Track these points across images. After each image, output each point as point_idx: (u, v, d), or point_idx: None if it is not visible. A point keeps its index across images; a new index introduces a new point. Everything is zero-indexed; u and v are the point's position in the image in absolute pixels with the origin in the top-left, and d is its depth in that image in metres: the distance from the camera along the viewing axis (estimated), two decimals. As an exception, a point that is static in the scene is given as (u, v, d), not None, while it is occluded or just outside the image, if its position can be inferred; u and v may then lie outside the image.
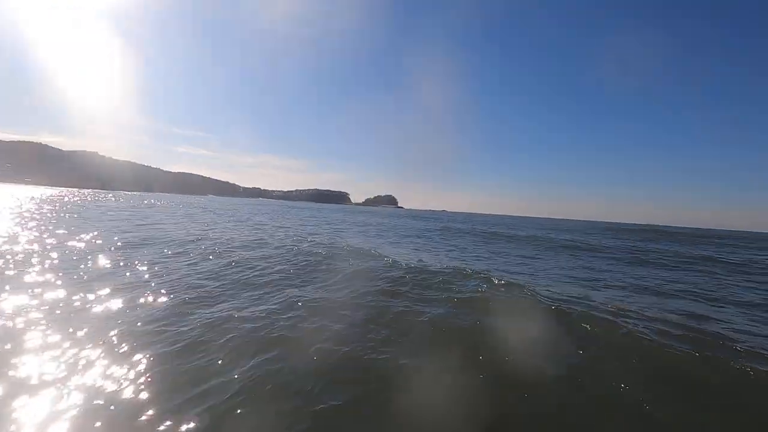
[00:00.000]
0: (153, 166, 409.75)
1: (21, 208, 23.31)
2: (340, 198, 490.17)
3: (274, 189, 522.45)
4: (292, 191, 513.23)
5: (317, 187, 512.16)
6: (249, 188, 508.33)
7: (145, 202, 52.53)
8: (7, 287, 6.28)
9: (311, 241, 14.31)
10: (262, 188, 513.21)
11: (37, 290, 6.23)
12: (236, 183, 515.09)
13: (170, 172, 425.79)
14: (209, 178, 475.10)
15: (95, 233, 13.40)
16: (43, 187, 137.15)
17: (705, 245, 28.67)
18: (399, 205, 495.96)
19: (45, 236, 12.04)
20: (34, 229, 13.79)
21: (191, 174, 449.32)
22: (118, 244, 11.37)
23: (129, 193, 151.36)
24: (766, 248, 29.68)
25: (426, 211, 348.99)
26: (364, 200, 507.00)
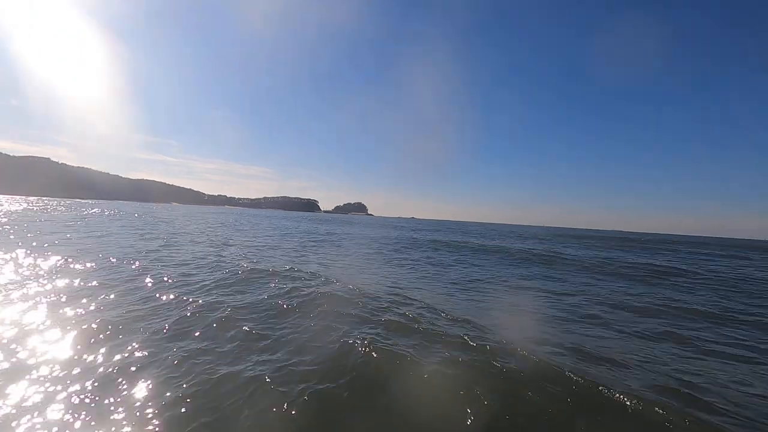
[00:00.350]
0: (111, 173, 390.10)
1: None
2: (309, 206, 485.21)
3: (241, 197, 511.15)
4: (260, 199, 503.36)
5: (286, 195, 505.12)
6: (214, 196, 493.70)
7: (95, 210, 49.60)
8: None
9: (264, 259, 13.97)
10: (228, 196, 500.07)
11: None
12: (201, 191, 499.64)
13: (129, 179, 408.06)
14: (172, 185, 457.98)
15: (30, 247, 12.58)
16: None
17: (663, 252, 30.73)
18: (369, 212, 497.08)
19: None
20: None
21: (152, 181, 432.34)
22: (59, 262, 10.56)
23: (84, 201, 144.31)
24: (714, 254, 32.07)
25: (395, 218, 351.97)
26: (333, 208, 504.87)
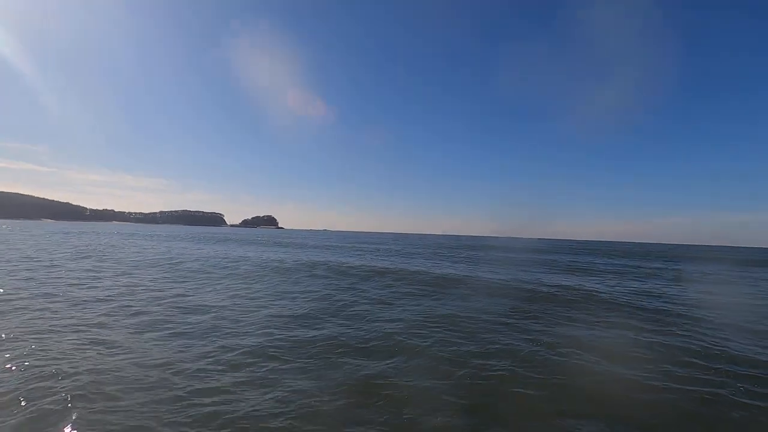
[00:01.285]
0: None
1: None
2: (213, 220, 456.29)
3: (132, 211, 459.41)
4: (155, 213, 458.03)
5: (187, 209, 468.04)
6: (99, 210, 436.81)
7: None
8: None
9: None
10: (116, 210, 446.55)
11: None
12: (81, 204, 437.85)
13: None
14: (42, 198, 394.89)
15: None
16: None
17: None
18: (279, 225, 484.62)
19: None
20: None
21: (14, 194, 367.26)
22: None
23: None
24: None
25: (305, 231, 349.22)
26: (241, 222, 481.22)
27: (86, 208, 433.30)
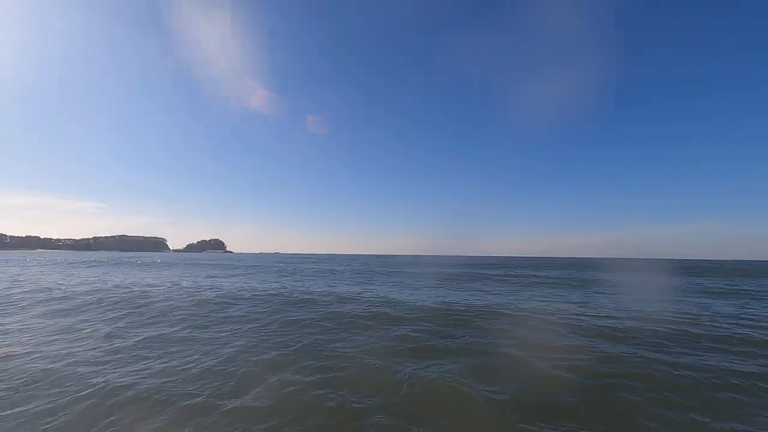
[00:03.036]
0: None
1: None
2: (154, 245, 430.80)
3: (62, 237, 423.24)
4: (88, 239, 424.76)
5: (124, 233, 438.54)
6: (21, 237, 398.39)
7: None
8: None
9: None
10: (42, 237, 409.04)
11: None
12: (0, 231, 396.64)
13: None
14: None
15: None
16: None
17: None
18: (228, 249, 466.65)
19: None
20: None
21: None
22: None
23: None
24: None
25: (255, 254, 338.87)
26: (185, 246, 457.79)
27: (6, 235, 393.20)
